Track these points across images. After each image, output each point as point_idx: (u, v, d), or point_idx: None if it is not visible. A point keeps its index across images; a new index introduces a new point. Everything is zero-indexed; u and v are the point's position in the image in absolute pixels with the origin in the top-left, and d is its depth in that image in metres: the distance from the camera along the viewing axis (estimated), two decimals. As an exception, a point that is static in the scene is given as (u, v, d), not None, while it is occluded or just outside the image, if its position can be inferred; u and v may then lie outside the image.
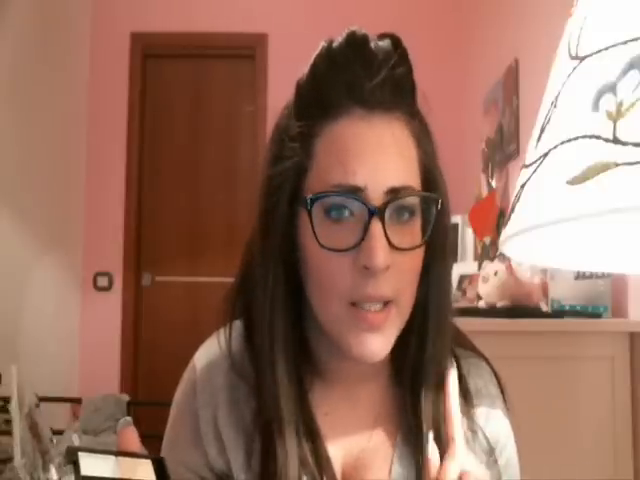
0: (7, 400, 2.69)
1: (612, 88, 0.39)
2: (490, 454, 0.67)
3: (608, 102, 0.39)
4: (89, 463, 0.38)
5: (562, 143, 0.42)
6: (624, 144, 0.38)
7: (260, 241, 0.65)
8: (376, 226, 0.58)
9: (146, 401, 3.34)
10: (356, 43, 0.62)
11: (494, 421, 0.70)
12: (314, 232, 0.60)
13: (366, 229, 0.59)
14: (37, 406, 0.78)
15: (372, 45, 0.62)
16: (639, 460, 1.47)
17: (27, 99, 3.06)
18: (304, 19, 3.62)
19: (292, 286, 0.65)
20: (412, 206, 0.62)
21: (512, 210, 0.48)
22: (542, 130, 0.46)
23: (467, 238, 2.59)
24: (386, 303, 0.61)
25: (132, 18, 3.73)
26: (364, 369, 0.68)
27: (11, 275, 2.90)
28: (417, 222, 0.63)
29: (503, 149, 2.64)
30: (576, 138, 0.41)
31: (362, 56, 0.61)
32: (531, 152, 0.47)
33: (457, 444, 0.60)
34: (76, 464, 0.38)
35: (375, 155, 0.60)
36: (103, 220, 3.68)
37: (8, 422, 2.61)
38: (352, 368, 0.68)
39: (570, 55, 0.45)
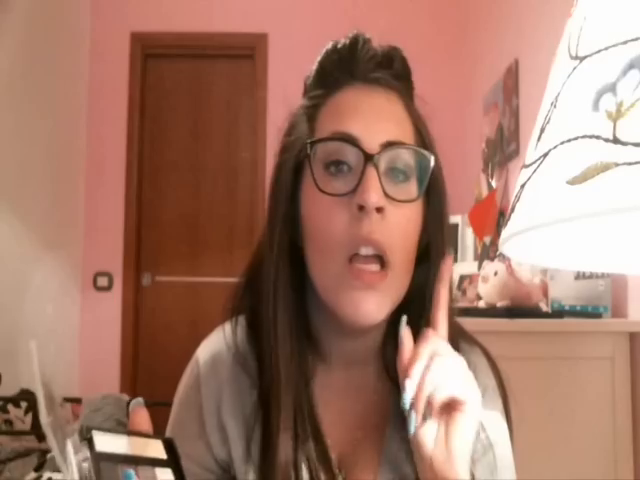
0: (7, 400, 2.69)
1: (612, 88, 0.39)
2: (486, 452, 0.67)
3: (608, 102, 0.39)
4: (103, 440, 0.40)
5: (562, 143, 0.42)
6: (624, 144, 0.38)
7: (268, 214, 0.68)
8: (371, 171, 0.61)
9: (146, 401, 3.33)
10: (359, 41, 0.68)
11: (489, 419, 0.70)
12: (314, 178, 0.63)
13: (362, 174, 0.62)
14: (61, 405, 0.80)
15: (374, 44, 0.68)
16: (639, 460, 1.47)
17: (27, 99, 3.06)
18: (304, 19, 3.62)
19: (296, 269, 0.67)
20: (407, 167, 0.65)
21: (512, 210, 0.48)
22: (542, 130, 0.46)
23: (467, 238, 2.59)
24: (382, 266, 0.62)
25: (132, 18, 3.73)
26: (361, 352, 0.70)
27: (11, 275, 2.90)
28: (412, 185, 0.65)
29: (503, 149, 2.64)
30: (576, 138, 0.41)
31: (365, 50, 0.68)
32: (531, 152, 0.47)
33: (438, 329, 0.62)
34: (91, 441, 0.39)
35: (371, 113, 0.65)
36: (103, 220, 3.68)
37: (8, 422, 2.61)
38: (352, 350, 0.70)
39: (570, 55, 0.45)
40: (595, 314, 1.60)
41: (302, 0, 3.69)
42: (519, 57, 2.49)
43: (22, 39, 3.05)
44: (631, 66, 0.39)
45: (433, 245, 0.68)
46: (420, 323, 0.66)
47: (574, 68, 0.44)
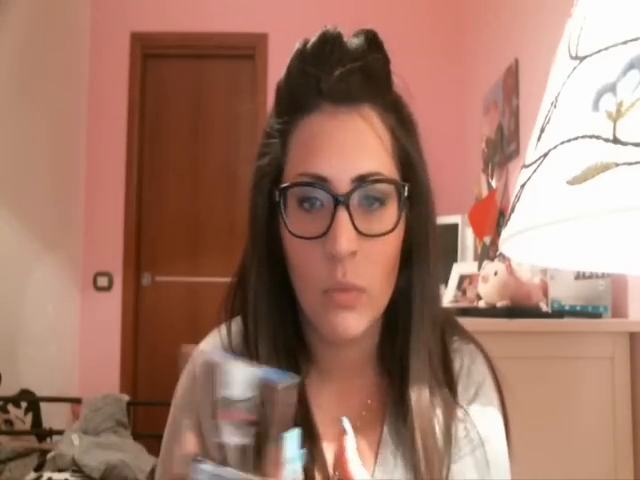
0: (7, 400, 2.69)
1: (612, 88, 0.39)
2: (476, 449, 0.67)
3: (608, 102, 0.39)
4: None
5: (562, 143, 0.42)
6: (624, 144, 0.38)
7: (248, 234, 0.70)
8: (342, 214, 0.61)
9: (146, 401, 3.34)
10: (328, 41, 0.64)
11: (483, 415, 0.69)
12: (284, 221, 0.64)
13: (332, 217, 0.61)
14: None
15: (345, 41, 0.64)
16: (639, 460, 1.47)
17: (27, 99, 3.06)
18: (304, 19, 3.61)
19: (280, 278, 0.67)
20: (383, 194, 0.63)
21: (512, 210, 0.48)
22: (542, 130, 0.46)
23: (467, 238, 2.59)
24: (358, 291, 0.63)
25: (132, 18, 3.73)
26: (355, 358, 0.70)
27: (11, 275, 2.90)
28: (390, 210, 0.64)
29: (503, 149, 2.64)
30: (576, 138, 0.41)
31: (333, 52, 0.63)
32: (531, 152, 0.47)
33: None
34: None
35: (340, 147, 0.63)
36: (103, 220, 3.68)
37: (8, 422, 2.61)
38: (343, 357, 0.70)
39: (570, 55, 0.45)
40: (595, 314, 1.60)
41: (302, 0, 3.69)
42: (519, 57, 2.49)
43: (22, 39, 3.05)
44: (631, 66, 0.39)
45: (416, 251, 0.68)
46: (408, 324, 0.67)
47: (574, 68, 0.44)
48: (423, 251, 0.68)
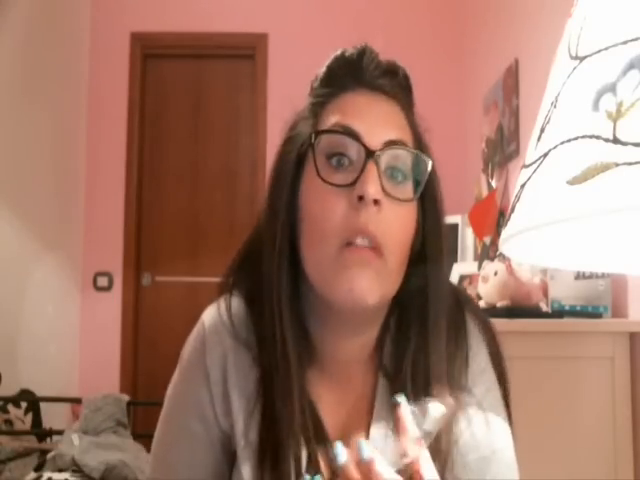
0: (7, 400, 2.69)
1: (612, 88, 0.39)
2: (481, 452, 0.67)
3: (608, 102, 0.39)
4: None
5: (562, 143, 0.42)
6: (624, 144, 0.38)
7: (268, 204, 0.69)
8: (371, 167, 0.64)
9: (146, 401, 3.33)
10: (367, 52, 0.71)
11: (489, 422, 0.69)
12: (316, 167, 0.65)
13: (363, 168, 0.64)
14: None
15: (380, 58, 0.72)
16: (639, 460, 1.47)
17: (27, 99, 3.05)
18: (304, 19, 3.62)
19: (292, 271, 0.68)
20: (405, 168, 0.67)
21: (512, 210, 0.48)
22: (542, 130, 0.46)
23: (467, 238, 2.59)
24: (375, 248, 0.64)
25: (132, 18, 3.73)
26: (355, 353, 0.71)
27: (11, 275, 2.90)
28: (409, 187, 0.67)
29: (503, 149, 2.64)
30: (576, 138, 0.41)
31: (371, 60, 0.71)
32: (531, 152, 0.47)
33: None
34: None
35: (374, 115, 0.68)
36: (103, 220, 3.68)
37: (8, 422, 2.61)
38: (347, 349, 0.71)
39: (570, 55, 0.45)
40: (595, 314, 1.60)
41: (302, 0, 3.69)
42: (519, 57, 2.49)
43: (22, 39, 3.05)
44: (631, 66, 0.39)
45: (429, 246, 0.69)
46: (426, 326, 0.68)
47: (574, 68, 0.44)
48: (436, 247, 0.69)
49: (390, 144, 0.66)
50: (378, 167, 0.64)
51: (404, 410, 0.56)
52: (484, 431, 0.68)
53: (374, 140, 0.65)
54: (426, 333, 0.68)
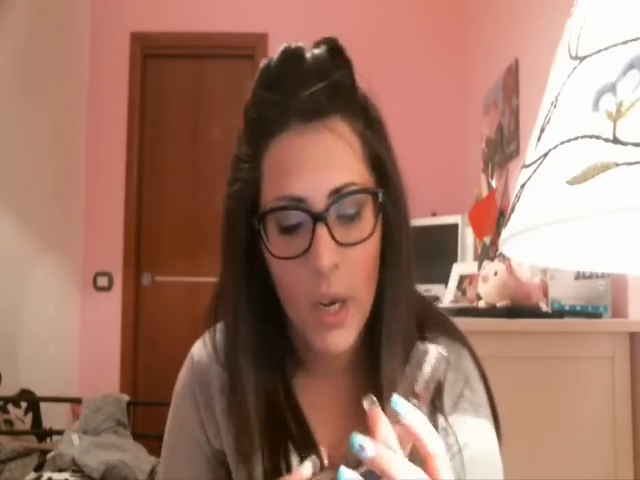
0: (7, 400, 2.69)
1: (612, 88, 0.39)
2: (456, 451, 0.67)
3: (608, 102, 0.39)
4: None
5: (562, 143, 0.42)
6: (624, 144, 0.38)
7: (223, 257, 0.70)
8: (321, 230, 0.62)
9: (146, 401, 3.34)
10: (290, 58, 0.64)
11: (463, 418, 0.70)
12: (267, 246, 0.65)
13: (312, 234, 0.62)
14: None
15: (307, 56, 0.64)
16: (639, 460, 1.47)
17: (27, 99, 3.06)
18: (304, 19, 3.62)
19: (260, 292, 0.69)
20: (359, 204, 0.64)
21: (512, 210, 0.48)
22: (542, 130, 0.46)
23: (467, 238, 2.59)
24: (344, 301, 0.64)
25: (132, 18, 3.73)
26: (342, 360, 0.72)
27: (11, 275, 2.90)
28: (367, 218, 0.65)
29: (503, 149, 2.64)
30: (576, 138, 0.41)
31: (296, 70, 0.64)
32: (531, 152, 0.47)
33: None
34: None
35: (312, 164, 0.63)
36: (103, 220, 3.68)
37: (8, 422, 2.61)
38: (331, 360, 0.72)
39: (570, 55, 0.45)
40: (595, 314, 1.60)
41: (302, 0, 3.69)
42: (519, 57, 2.49)
43: (22, 39, 3.05)
44: (631, 66, 0.39)
45: (390, 251, 0.68)
46: (391, 326, 0.68)
47: (574, 68, 0.44)
48: (397, 250, 0.69)
49: (335, 193, 0.62)
50: (328, 226, 0.62)
51: (376, 411, 0.52)
52: (465, 432, 0.68)
53: (318, 196, 0.62)
54: (380, 333, 0.68)
